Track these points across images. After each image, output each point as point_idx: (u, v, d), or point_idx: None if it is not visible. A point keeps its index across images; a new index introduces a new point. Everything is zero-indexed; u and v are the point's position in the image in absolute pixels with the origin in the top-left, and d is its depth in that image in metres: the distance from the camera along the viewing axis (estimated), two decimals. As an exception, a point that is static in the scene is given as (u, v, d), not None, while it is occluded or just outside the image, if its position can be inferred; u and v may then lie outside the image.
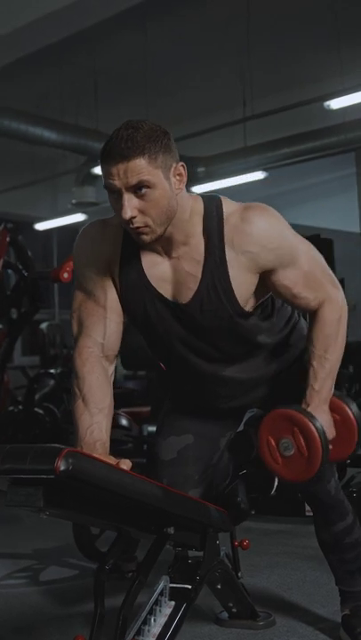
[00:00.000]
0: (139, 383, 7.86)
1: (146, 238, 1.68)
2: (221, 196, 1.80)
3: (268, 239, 1.73)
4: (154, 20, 6.99)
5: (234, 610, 2.29)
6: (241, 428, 2.21)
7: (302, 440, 1.75)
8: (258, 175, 8.58)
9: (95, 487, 1.41)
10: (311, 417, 1.77)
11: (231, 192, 8.83)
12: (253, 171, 8.59)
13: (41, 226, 10.54)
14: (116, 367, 1.89)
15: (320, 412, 1.81)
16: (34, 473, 1.32)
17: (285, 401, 1.92)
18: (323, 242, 8.08)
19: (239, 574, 2.30)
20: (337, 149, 8.34)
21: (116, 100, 8.67)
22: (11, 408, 5.62)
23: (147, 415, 3.99)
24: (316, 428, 1.75)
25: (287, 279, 1.78)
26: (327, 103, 6.66)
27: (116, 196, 1.63)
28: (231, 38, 7.37)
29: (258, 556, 2.97)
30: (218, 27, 7.35)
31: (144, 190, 1.60)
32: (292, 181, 9.73)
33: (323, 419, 1.80)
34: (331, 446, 1.81)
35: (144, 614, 1.73)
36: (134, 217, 1.62)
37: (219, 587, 2.19)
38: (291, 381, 1.97)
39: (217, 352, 1.87)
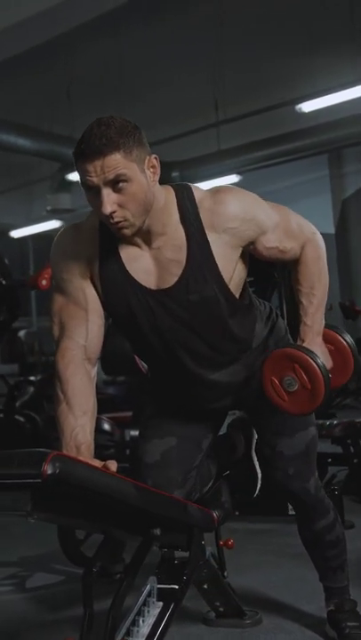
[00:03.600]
0: (119, 388, 7.85)
1: (126, 232, 1.72)
2: (190, 184, 1.86)
3: (244, 213, 1.81)
4: (127, 26, 7.01)
5: (221, 609, 2.32)
6: (224, 430, 2.24)
7: (304, 375, 1.82)
8: (232, 178, 8.63)
9: (82, 490, 1.42)
10: (309, 351, 1.84)
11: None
12: (228, 174, 8.64)
13: (16, 233, 10.51)
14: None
15: (315, 345, 1.88)
16: (21, 477, 1.33)
17: (266, 403, 1.95)
18: (298, 243, 8.14)
19: (225, 574, 2.33)
20: (310, 152, 8.42)
21: (90, 107, 8.66)
22: (-9, 416, 5.60)
23: (129, 420, 4.00)
24: (316, 362, 1.82)
25: (272, 241, 1.87)
26: (299, 106, 6.72)
27: (94, 192, 1.66)
28: (204, 44, 7.41)
29: (243, 556, 2.99)
30: (190, 33, 7.40)
31: (121, 184, 1.64)
32: (267, 184, 9.79)
33: (318, 351, 1.87)
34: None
35: (132, 615, 1.75)
36: (114, 211, 1.66)
37: (205, 587, 2.22)
38: None
39: (202, 346, 1.89)
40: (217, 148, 8.44)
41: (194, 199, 1.81)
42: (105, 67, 7.76)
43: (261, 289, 3.45)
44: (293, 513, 2.30)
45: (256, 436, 2.23)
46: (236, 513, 2.20)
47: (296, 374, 1.83)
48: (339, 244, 10.68)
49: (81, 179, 1.67)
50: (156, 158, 1.72)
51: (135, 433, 3.60)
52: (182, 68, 8.10)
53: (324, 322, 1.95)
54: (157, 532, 1.73)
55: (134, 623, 1.74)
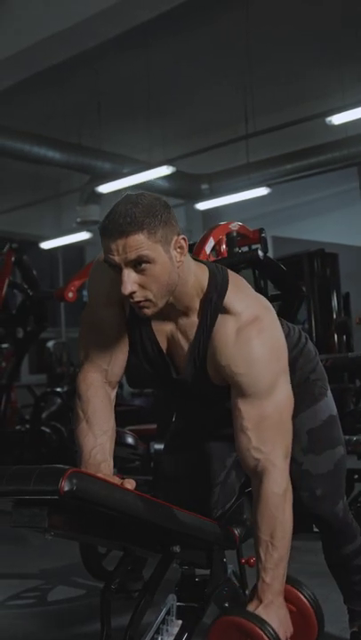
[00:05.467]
0: (145, 400, 7.84)
1: (147, 312, 1.66)
2: (231, 282, 1.74)
3: (238, 362, 1.68)
4: (156, 39, 7.05)
5: (242, 628, 2.28)
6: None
7: None
8: (261, 191, 8.60)
9: (99, 507, 1.42)
10: (263, 623, 1.58)
11: (235, 208, 8.86)
12: (257, 187, 8.61)
13: (46, 245, 10.57)
14: (123, 384, 1.91)
15: (274, 607, 1.65)
16: (38, 494, 1.33)
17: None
18: (327, 256, 8.07)
19: (247, 592, 2.29)
20: (339, 164, 8.37)
21: (119, 120, 8.73)
22: (18, 427, 5.63)
23: (154, 433, 3.98)
24: (270, 637, 1.57)
25: (243, 407, 1.70)
26: (329, 119, 6.69)
27: (116, 270, 1.61)
28: (233, 56, 7.42)
29: (266, 574, 2.95)
30: (219, 46, 7.42)
31: (144, 265, 1.59)
32: (296, 196, 9.75)
33: (277, 616, 1.64)
34: None
35: (151, 634, 1.73)
36: (134, 292, 1.61)
37: (226, 605, 2.18)
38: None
39: (211, 403, 1.90)
40: (246, 160, 8.42)
41: (220, 306, 1.70)
42: (133, 80, 7.80)
43: (288, 303, 3.40)
44: (318, 530, 2.25)
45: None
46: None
47: None
48: (368, 256, 10.60)
49: (104, 255, 1.62)
50: (184, 239, 1.64)
51: (159, 446, 3.58)
52: (212, 81, 8.12)
53: (285, 577, 1.69)
54: (177, 549, 1.71)
55: (153, 641, 1.72)
